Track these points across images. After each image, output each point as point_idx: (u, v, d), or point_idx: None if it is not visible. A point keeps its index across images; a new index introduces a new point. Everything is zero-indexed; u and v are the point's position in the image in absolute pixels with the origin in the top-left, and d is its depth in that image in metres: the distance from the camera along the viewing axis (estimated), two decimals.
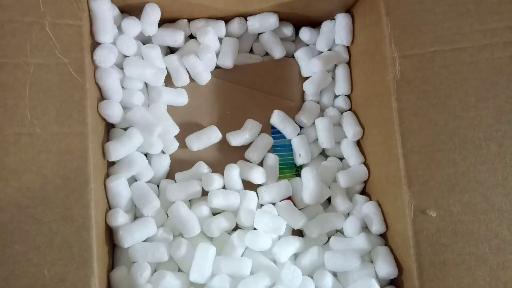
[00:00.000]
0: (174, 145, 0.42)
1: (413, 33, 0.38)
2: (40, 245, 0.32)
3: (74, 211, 0.33)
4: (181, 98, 0.43)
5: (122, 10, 0.41)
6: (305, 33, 0.47)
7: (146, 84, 0.43)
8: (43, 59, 0.34)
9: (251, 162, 0.43)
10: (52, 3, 0.34)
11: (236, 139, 0.43)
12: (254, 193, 0.41)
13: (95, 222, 0.33)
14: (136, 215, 0.41)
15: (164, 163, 0.42)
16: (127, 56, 0.41)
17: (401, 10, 0.39)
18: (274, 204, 0.42)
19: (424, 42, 0.38)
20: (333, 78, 0.47)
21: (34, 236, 0.32)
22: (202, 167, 0.42)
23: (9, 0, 0.33)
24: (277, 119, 0.44)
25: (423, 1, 0.39)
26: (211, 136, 0.43)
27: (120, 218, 0.37)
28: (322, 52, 0.47)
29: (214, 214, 0.41)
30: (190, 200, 0.42)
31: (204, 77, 0.43)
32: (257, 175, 0.41)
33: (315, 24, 0.48)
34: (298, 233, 0.42)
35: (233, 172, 0.41)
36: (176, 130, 0.42)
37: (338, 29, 0.46)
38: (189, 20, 0.45)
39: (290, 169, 0.45)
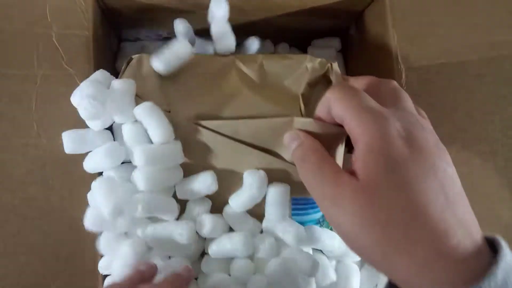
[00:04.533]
0: None
1: (420, 45, 0.38)
2: (46, 257, 0.32)
3: (80, 222, 0.32)
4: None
5: None
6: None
7: None
8: (50, 70, 0.34)
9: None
10: (59, 14, 0.34)
11: (240, 204, 0.34)
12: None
13: None
14: None
15: None
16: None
17: (408, 22, 0.39)
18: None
19: (431, 54, 0.38)
20: None
21: (40, 247, 0.32)
22: None
23: (17, 12, 0.34)
24: None
25: (430, 13, 0.39)
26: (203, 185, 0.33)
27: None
28: None
29: None
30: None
31: None
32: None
33: (324, 36, 0.48)
34: None
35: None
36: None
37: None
38: None
39: None
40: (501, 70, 0.38)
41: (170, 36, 0.44)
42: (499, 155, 0.37)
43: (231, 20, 0.40)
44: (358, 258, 0.37)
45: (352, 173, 0.25)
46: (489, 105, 0.37)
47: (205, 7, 0.36)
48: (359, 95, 0.26)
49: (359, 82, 0.31)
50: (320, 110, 0.28)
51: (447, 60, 0.38)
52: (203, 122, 0.31)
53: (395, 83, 0.30)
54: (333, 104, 0.26)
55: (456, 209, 0.23)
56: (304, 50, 0.49)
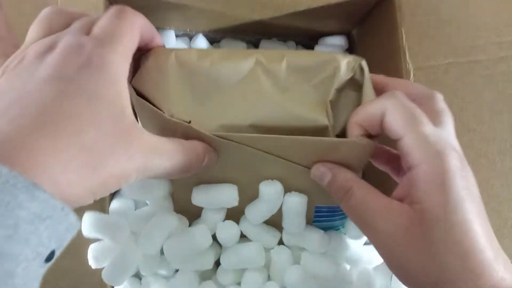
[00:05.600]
0: None
1: (428, 44, 0.38)
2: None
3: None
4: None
5: None
6: None
7: None
8: None
9: None
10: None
11: (257, 217, 0.33)
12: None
13: None
14: None
15: None
16: None
17: (417, 21, 0.39)
18: None
19: (439, 53, 0.38)
20: None
21: None
22: None
23: (29, 8, 0.34)
24: None
25: (439, 12, 0.39)
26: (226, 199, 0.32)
27: None
28: None
29: None
30: None
31: None
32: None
33: (331, 34, 0.48)
34: None
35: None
36: None
37: None
38: None
39: None
40: (510, 70, 0.38)
41: (179, 34, 0.45)
42: (508, 155, 0.37)
43: (239, 19, 0.41)
44: (377, 264, 0.36)
45: (400, 198, 0.26)
46: (498, 105, 0.37)
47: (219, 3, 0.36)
48: (423, 120, 0.26)
49: (409, 90, 0.30)
50: (368, 114, 0.27)
51: (456, 60, 0.38)
52: (225, 135, 0.28)
53: (443, 102, 0.29)
54: (392, 120, 0.26)
55: (495, 241, 0.24)
56: (311, 48, 0.49)
